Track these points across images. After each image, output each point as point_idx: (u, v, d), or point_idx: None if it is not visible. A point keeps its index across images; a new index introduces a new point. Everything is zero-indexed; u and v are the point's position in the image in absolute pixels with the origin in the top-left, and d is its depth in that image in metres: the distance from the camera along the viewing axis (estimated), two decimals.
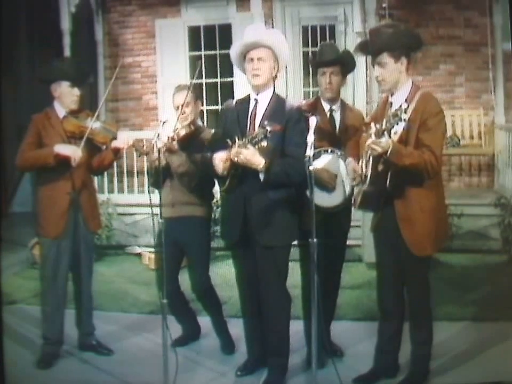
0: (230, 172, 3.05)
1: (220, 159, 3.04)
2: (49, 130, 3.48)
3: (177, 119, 3.43)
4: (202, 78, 6.94)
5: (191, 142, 3.48)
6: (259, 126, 3.01)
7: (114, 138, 3.52)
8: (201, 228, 3.55)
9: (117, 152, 3.57)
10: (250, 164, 2.95)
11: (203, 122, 3.61)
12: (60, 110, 3.53)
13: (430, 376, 3.15)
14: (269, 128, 2.84)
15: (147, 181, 3.51)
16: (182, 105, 3.43)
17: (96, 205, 3.76)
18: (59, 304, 3.55)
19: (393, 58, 2.92)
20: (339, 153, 3.26)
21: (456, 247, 5.20)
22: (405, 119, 2.65)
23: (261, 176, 3.00)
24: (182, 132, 3.43)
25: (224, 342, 3.71)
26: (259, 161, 2.95)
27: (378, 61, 2.95)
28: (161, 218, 3.07)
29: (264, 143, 2.87)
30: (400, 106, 2.71)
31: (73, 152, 3.39)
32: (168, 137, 3.33)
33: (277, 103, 3.14)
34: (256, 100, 3.16)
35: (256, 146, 2.90)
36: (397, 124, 2.69)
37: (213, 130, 3.52)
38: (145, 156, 3.59)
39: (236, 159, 2.95)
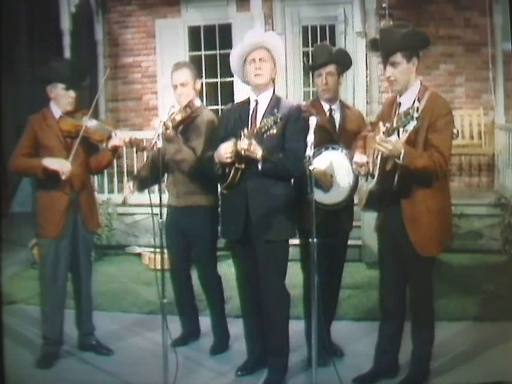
0: (233, 167, 3.07)
1: (225, 147, 3.05)
2: (46, 130, 3.47)
3: (178, 101, 3.49)
4: (202, 78, 6.94)
5: (187, 126, 3.49)
6: (263, 116, 3.10)
7: (111, 136, 3.51)
8: (206, 217, 3.54)
9: (115, 151, 3.56)
10: (251, 153, 2.99)
11: (203, 101, 3.61)
12: (56, 110, 3.52)
13: (430, 376, 3.15)
14: (279, 115, 2.91)
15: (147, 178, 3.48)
16: (181, 84, 3.51)
17: (95, 205, 3.76)
18: (59, 305, 3.55)
19: (406, 58, 2.91)
20: (340, 149, 3.27)
21: (456, 247, 5.19)
22: (417, 118, 2.64)
23: (259, 166, 3.03)
24: (178, 117, 3.43)
25: (217, 339, 3.70)
26: (258, 151, 3.00)
27: (391, 61, 2.92)
28: (160, 218, 3.06)
29: (274, 131, 2.93)
30: (413, 105, 2.70)
31: (62, 166, 3.37)
32: (163, 123, 3.26)
33: (277, 102, 3.18)
34: (256, 101, 3.21)
35: (265, 136, 2.96)
36: (409, 122, 2.68)
37: (212, 114, 3.57)
38: (143, 153, 3.59)
39: (246, 147, 2.97)
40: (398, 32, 2.93)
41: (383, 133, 2.76)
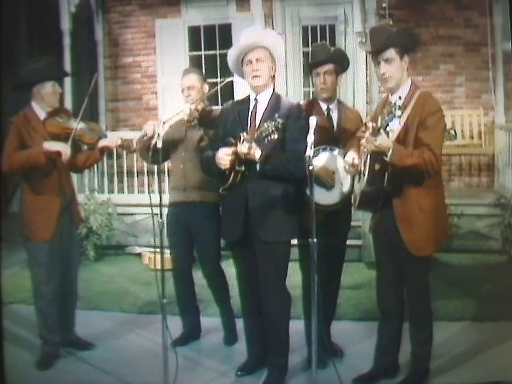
0: (233, 169, 3.06)
1: (225, 153, 3.04)
2: (31, 133, 3.41)
3: (185, 102, 3.58)
4: None
5: (205, 118, 3.55)
6: (263, 116, 3.09)
7: (100, 138, 3.50)
8: (212, 213, 3.56)
9: (103, 151, 3.54)
10: (251, 156, 2.99)
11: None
12: (40, 112, 3.47)
13: (430, 376, 3.15)
14: (280, 120, 2.92)
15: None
16: (188, 88, 3.62)
17: (77, 202, 3.78)
18: (52, 306, 3.52)
19: (399, 54, 2.93)
20: (337, 151, 3.27)
21: (456, 247, 5.20)
22: (399, 116, 2.66)
23: (257, 167, 3.02)
24: (198, 108, 3.52)
25: (226, 333, 3.77)
26: (258, 153, 2.99)
27: (385, 57, 2.93)
28: (160, 218, 3.06)
29: (275, 136, 2.95)
30: (395, 103, 2.71)
31: (63, 147, 3.35)
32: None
33: (277, 101, 3.17)
34: (256, 99, 3.19)
35: (266, 140, 2.97)
36: (391, 120, 2.70)
37: (219, 108, 3.60)
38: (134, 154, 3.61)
39: (246, 151, 2.96)
40: (389, 29, 2.96)
41: (369, 132, 2.77)
